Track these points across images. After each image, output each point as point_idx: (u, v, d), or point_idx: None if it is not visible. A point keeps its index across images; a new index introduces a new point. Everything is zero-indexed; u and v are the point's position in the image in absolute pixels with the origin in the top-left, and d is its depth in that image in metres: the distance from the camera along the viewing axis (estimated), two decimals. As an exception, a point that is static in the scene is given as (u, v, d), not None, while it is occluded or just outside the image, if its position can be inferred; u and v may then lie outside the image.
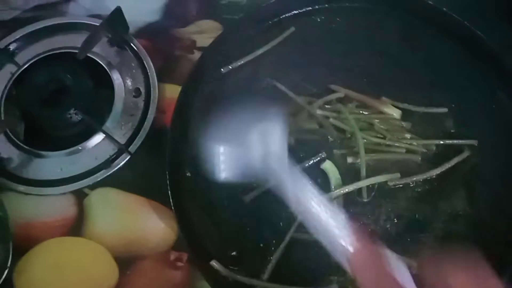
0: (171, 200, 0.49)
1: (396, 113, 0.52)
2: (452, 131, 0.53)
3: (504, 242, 0.47)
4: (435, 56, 0.57)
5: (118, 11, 0.58)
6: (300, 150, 0.52)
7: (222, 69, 0.57)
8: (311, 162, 0.51)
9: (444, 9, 0.56)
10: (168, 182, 0.49)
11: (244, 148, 0.42)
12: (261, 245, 0.49)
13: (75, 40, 0.60)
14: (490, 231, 0.48)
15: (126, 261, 0.50)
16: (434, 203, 0.49)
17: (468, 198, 0.49)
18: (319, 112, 0.53)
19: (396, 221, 0.49)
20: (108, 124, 0.56)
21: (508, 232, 0.47)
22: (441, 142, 0.51)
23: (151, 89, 0.58)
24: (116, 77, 0.59)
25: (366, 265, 0.34)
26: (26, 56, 0.60)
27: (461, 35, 0.56)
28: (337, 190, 0.49)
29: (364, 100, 0.53)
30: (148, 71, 0.59)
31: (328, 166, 0.51)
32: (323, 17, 0.60)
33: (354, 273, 0.34)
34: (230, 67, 0.57)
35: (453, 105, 0.54)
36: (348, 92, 0.54)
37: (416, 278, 0.33)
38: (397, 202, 0.50)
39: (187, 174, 0.52)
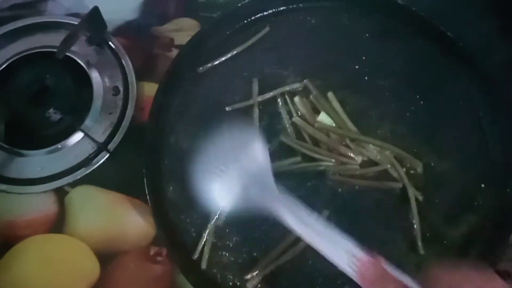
0: (148, 197, 0.50)
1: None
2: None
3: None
4: (407, 55, 0.58)
5: (95, 10, 0.59)
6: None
7: (199, 68, 0.58)
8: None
9: (414, 9, 0.57)
10: (145, 179, 0.50)
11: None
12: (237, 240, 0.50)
13: (54, 39, 0.60)
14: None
15: (107, 257, 0.51)
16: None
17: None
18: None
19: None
20: (87, 122, 0.57)
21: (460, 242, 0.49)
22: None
23: (130, 87, 0.59)
24: (94, 75, 0.59)
25: (374, 277, 0.36)
26: (5, 56, 0.60)
27: (432, 35, 0.57)
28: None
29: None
30: (126, 69, 0.60)
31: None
32: (299, 17, 0.61)
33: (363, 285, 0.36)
34: (202, 68, 0.58)
35: (422, 102, 0.55)
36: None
37: None
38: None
39: (165, 171, 0.53)
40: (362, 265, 0.36)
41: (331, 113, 0.54)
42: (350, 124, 0.54)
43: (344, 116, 0.54)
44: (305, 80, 0.56)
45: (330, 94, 0.55)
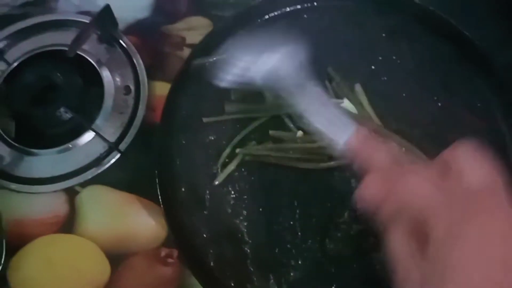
0: (160, 198, 0.49)
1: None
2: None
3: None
4: (422, 55, 0.57)
5: (107, 8, 0.58)
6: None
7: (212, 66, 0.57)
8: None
9: (431, 8, 0.56)
10: (157, 180, 0.50)
11: None
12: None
13: (64, 37, 0.60)
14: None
15: (117, 258, 0.51)
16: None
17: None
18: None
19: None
20: (98, 122, 0.56)
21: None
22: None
23: (141, 86, 0.58)
24: (105, 74, 0.59)
25: (365, 143, 0.36)
26: (16, 54, 0.60)
27: (448, 34, 0.56)
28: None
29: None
30: (137, 68, 0.59)
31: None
32: (313, 16, 0.60)
33: (352, 153, 0.36)
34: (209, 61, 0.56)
35: (439, 104, 0.54)
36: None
37: None
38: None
39: (177, 172, 0.53)
40: (353, 136, 0.36)
41: (355, 103, 0.53)
42: (374, 118, 0.53)
43: (369, 109, 0.53)
44: (328, 68, 0.55)
45: (357, 86, 0.54)
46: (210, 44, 0.57)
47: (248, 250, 0.49)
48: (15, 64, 0.59)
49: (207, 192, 0.52)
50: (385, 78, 0.56)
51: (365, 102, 0.54)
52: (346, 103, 0.53)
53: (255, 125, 0.54)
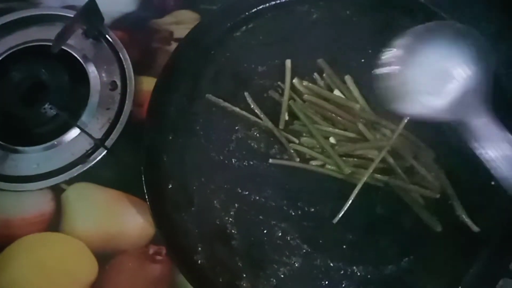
0: (146, 195, 0.49)
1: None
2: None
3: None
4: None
5: (92, 2, 0.57)
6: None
7: (199, 60, 0.57)
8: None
9: (422, 1, 0.56)
10: (143, 177, 0.49)
11: None
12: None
13: (49, 32, 0.59)
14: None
15: (105, 256, 0.50)
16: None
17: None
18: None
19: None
20: (84, 118, 0.55)
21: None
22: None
23: (128, 82, 0.57)
24: (91, 70, 0.58)
25: None
26: (-1, 49, 0.59)
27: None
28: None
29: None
30: (124, 63, 0.58)
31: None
32: (302, 9, 0.59)
33: None
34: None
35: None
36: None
37: None
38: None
39: (164, 168, 0.52)
40: None
41: (346, 94, 0.52)
42: (368, 109, 0.52)
43: (361, 100, 0.52)
44: (318, 60, 0.54)
45: (347, 77, 0.53)
46: (197, 38, 0.56)
47: (238, 247, 0.49)
48: (-2, 59, 0.58)
49: (195, 188, 0.51)
50: (376, 71, 0.55)
51: (356, 93, 0.53)
52: (337, 94, 0.53)
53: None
